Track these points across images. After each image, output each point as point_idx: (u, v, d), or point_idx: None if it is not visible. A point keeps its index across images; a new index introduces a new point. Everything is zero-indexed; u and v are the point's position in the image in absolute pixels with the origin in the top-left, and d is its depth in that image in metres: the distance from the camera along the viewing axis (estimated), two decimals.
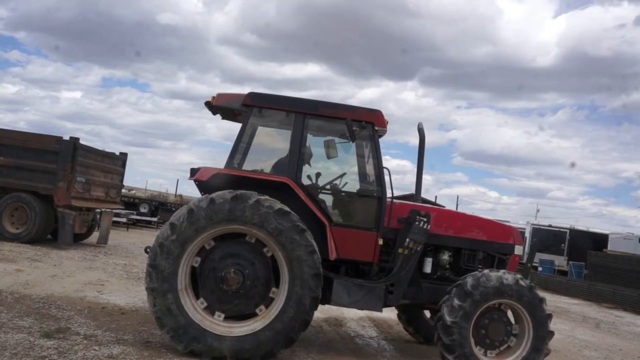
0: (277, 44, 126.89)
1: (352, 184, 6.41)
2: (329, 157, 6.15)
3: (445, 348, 5.59)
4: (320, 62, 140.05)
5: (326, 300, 5.86)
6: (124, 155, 15.66)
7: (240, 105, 6.09)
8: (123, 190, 20.30)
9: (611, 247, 25.03)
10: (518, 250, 6.63)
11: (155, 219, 26.15)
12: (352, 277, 6.04)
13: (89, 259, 11.38)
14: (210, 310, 5.50)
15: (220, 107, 6.29)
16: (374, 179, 6.14)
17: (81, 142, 12.87)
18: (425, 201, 6.80)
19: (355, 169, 6.55)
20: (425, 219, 5.95)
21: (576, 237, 27.73)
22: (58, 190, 12.36)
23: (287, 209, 5.43)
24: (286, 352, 6.05)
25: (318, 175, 6.39)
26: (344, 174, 6.48)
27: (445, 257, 6.34)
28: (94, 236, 14.69)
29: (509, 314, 5.91)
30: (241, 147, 6.12)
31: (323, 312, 8.91)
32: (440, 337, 5.63)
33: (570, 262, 25.39)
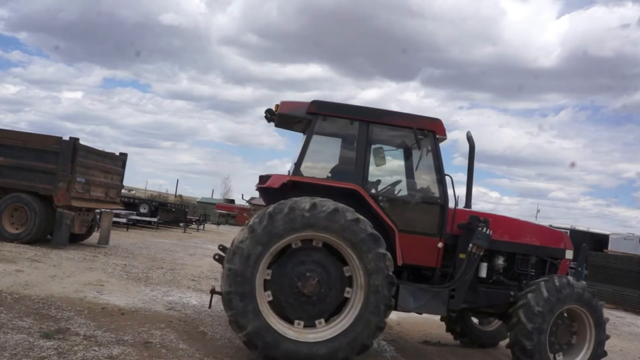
0: (278, 45, 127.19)
1: (414, 191, 6.50)
2: (377, 165, 6.32)
3: (525, 353, 5.73)
4: (322, 62, 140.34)
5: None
6: (123, 156, 15.65)
7: (305, 113, 6.14)
8: (123, 191, 20.31)
9: (612, 247, 24.99)
10: (569, 254, 6.79)
11: (155, 220, 26.17)
12: (413, 282, 6.13)
13: (89, 259, 11.37)
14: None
15: (285, 114, 6.29)
16: (437, 186, 6.21)
17: (82, 142, 12.88)
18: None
19: (418, 176, 6.62)
20: (486, 225, 6.08)
21: (576, 238, 27.68)
22: (58, 190, 12.35)
23: (363, 217, 5.47)
24: None
25: (379, 182, 6.49)
26: (400, 181, 6.58)
27: (500, 261, 6.46)
28: (94, 237, 14.68)
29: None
30: (307, 154, 6.11)
31: None
32: (518, 342, 5.77)
33: (571, 262, 25.33)
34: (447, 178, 6.17)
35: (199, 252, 16.96)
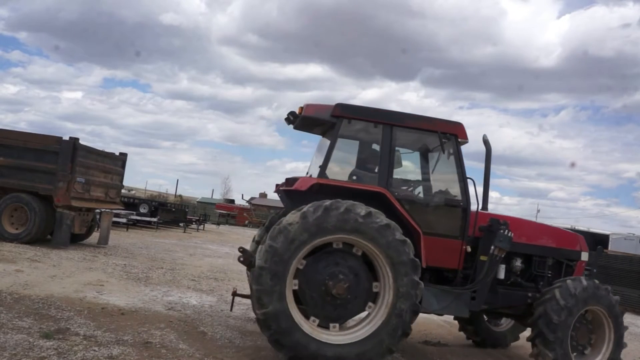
0: (279, 44, 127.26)
1: (437, 194, 6.54)
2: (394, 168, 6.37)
3: (546, 345, 5.85)
4: (322, 62, 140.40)
5: None
6: (123, 156, 15.64)
7: (330, 116, 6.15)
8: (123, 191, 20.31)
9: (612, 247, 25.02)
10: (584, 256, 6.91)
11: (155, 220, 26.17)
12: (434, 283, 6.19)
13: (89, 259, 11.37)
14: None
15: (309, 117, 6.30)
16: (459, 189, 6.28)
17: (81, 142, 12.87)
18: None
19: (440, 179, 6.67)
20: (507, 228, 6.19)
21: None
22: (58, 190, 12.34)
23: (409, 241, 5.52)
24: None
25: (402, 185, 6.55)
26: (423, 183, 6.68)
27: (518, 263, 6.57)
28: (94, 236, 14.68)
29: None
30: (332, 157, 6.12)
31: None
32: (541, 334, 5.89)
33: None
34: (468, 181, 6.27)
35: (199, 252, 16.96)
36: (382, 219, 5.44)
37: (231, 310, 7.08)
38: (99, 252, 12.93)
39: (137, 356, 5.12)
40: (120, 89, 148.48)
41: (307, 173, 7.04)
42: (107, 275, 9.58)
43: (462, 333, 8.21)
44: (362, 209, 5.41)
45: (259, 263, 5.32)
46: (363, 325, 5.57)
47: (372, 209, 5.45)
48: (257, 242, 6.99)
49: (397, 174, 6.44)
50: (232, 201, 68.31)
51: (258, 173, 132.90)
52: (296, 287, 5.48)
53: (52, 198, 12.40)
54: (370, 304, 5.61)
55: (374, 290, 5.61)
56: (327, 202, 5.39)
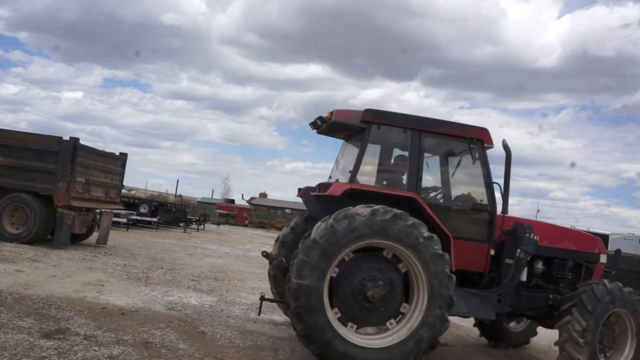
0: (279, 44, 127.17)
1: (465, 199, 6.64)
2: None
3: (576, 349, 5.96)
4: (322, 62, 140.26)
5: None
6: (123, 156, 15.64)
7: (359, 122, 6.18)
8: (123, 191, 20.30)
9: (612, 247, 25.00)
10: (603, 258, 7.03)
11: (155, 220, 26.18)
12: (461, 286, 6.24)
13: (89, 259, 11.37)
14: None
15: (339, 122, 6.32)
16: (486, 193, 6.39)
17: (82, 142, 12.87)
18: None
19: (467, 184, 6.76)
20: (532, 232, 6.34)
21: None
22: (58, 190, 12.35)
23: (448, 255, 5.60)
24: (285, 352, 6.06)
25: (430, 190, 6.63)
26: (450, 188, 6.71)
27: (540, 266, 6.70)
28: (94, 236, 14.68)
29: None
30: (362, 162, 6.18)
31: None
32: (572, 339, 5.98)
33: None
34: (495, 186, 6.39)
35: (199, 252, 16.96)
36: (439, 247, 5.53)
37: (259, 314, 7.22)
38: (99, 252, 12.94)
39: (137, 356, 5.12)
40: (120, 89, 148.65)
41: (330, 177, 7.14)
42: (107, 275, 9.58)
43: (461, 333, 8.24)
44: (425, 230, 5.51)
45: (314, 237, 5.36)
46: (380, 336, 5.62)
47: (434, 235, 5.57)
48: (283, 243, 7.16)
49: (425, 178, 6.51)
50: (232, 201, 68.27)
51: (258, 173, 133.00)
52: (335, 275, 5.52)
53: (53, 198, 12.40)
54: (392, 320, 5.67)
55: (401, 310, 5.69)
56: (397, 211, 5.48)
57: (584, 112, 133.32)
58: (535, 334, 8.45)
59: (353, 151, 6.93)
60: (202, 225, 33.44)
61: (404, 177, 6.26)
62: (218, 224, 45.36)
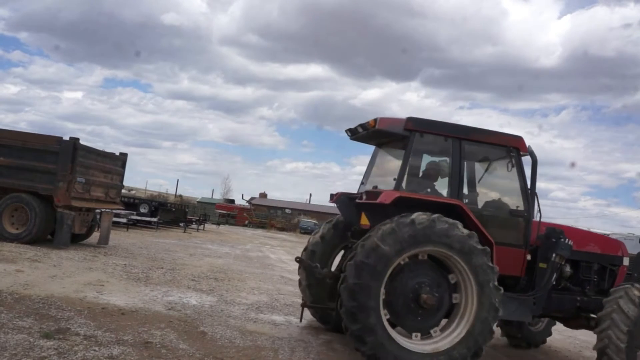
0: (279, 45, 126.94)
1: (502, 205, 6.79)
2: (441, 177, 6.68)
3: (619, 354, 6.08)
4: (322, 62, 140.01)
5: None
6: (123, 156, 15.65)
7: (402, 130, 6.28)
8: (123, 191, 20.31)
9: None
10: (626, 261, 7.24)
11: (155, 220, 26.19)
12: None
13: (89, 259, 11.37)
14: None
15: (383, 130, 6.40)
16: (522, 200, 6.55)
17: (82, 142, 12.88)
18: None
19: (504, 190, 6.92)
20: (565, 236, 6.57)
21: None
22: (58, 190, 12.35)
23: (497, 269, 5.80)
24: (285, 352, 6.06)
25: (470, 196, 6.76)
26: (484, 194, 6.94)
27: (568, 269, 6.85)
28: (94, 237, 14.69)
29: None
30: (405, 170, 6.28)
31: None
32: (613, 344, 6.10)
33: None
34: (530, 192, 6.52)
35: (199, 252, 16.97)
36: (489, 259, 5.74)
37: (300, 321, 7.39)
38: (99, 252, 12.94)
39: (137, 356, 5.12)
40: (121, 89, 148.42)
41: (363, 183, 7.28)
42: (108, 275, 9.58)
43: None
44: (462, 229, 5.67)
45: (375, 240, 5.47)
46: (427, 342, 5.77)
47: (487, 248, 5.77)
48: (313, 252, 7.38)
49: (465, 185, 6.69)
50: (232, 201, 68.32)
51: (258, 173, 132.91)
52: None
53: (53, 198, 12.41)
54: (436, 328, 5.87)
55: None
56: (455, 221, 5.68)
57: (584, 112, 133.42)
58: (550, 334, 8.70)
59: (389, 158, 7.23)
60: (202, 225, 33.47)
61: (446, 184, 6.41)
62: (218, 224, 45.39)
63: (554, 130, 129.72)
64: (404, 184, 6.21)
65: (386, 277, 5.53)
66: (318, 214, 67.47)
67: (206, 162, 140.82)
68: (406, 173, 6.24)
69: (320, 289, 7.30)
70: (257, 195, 75.84)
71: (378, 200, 5.91)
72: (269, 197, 78.62)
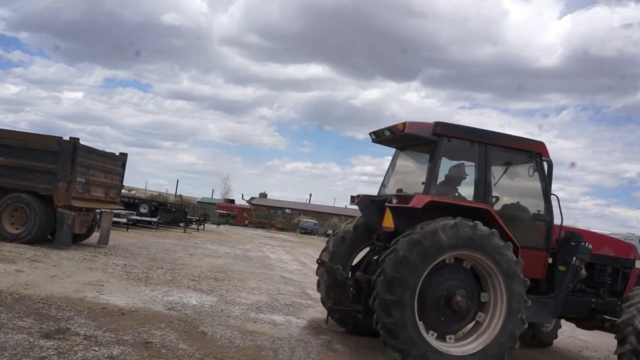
0: (279, 45, 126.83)
1: (525, 209, 6.91)
2: (464, 181, 6.84)
3: (637, 354, 6.24)
4: (323, 62, 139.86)
5: None
6: (123, 156, 15.65)
7: (431, 135, 6.35)
8: (123, 191, 20.31)
9: None
10: (638, 264, 7.45)
11: (155, 220, 26.18)
12: None
13: (89, 259, 11.38)
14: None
15: (412, 135, 6.46)
16: (544, 204, 6.70)
17: (82, 142, 12.88)
18: None
19: (527, 195, 7.01)
20: (584, 240, 6.78)
21: None
22: (58, 190, 12.35)
23: (522, 277, 5.95)
24: (285, 352, 6.06)
25: (496, 200, 6.84)
26: (508, 199, 7.09)
27: (583, 272, 7.00)
28: (94, 237, 14.69)
29: None
30: (434, 174, 6.38)
31: (323, 312, 8.89)
32: (635, 350, 6.21)
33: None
34: (553, 197, 6.71)
35: (199, 252, 16.97)
36: (521, 269, 5.91)
37: (326, 323, 7.41)
38: (99, 252, 12.94)
39: (137, 356, 5.12)
40: (121, 89, 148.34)
41: (384, 185, 7.39)
42: (108, 275, 9.58)
43: None
44: (499, 238, 5.84)
45: (402, 253, 5.55)
46: (460, 344, 5.91)
47: (521, 260, 5.96)
48: (334, 253, 7.45)
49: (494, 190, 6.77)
50: (232, 201, 68.32)
51: (258, 173, 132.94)
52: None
53: (53, 198, 12.41)
54: (465, 329, 6.07)
55: (477, 319, 6.04)
56: (493, 230, 5.86)
57: (584, 113, 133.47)
58: (557, 336, 8.87)
59: (411, 161, 7.34)
60: (202, 225, 33.47)
61: (472, 188, 6.52)
62: (218, 224, 45.40)
63: (554, 131, 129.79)
64: (432, 188, 6.29)
65: (424, 274, 5.63)
66: (318, 214, 67.52)
67: (206, 162, 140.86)
68: (434, 177, 6.33)
69: (341, 290, 7.39)
70: (257, 195, 75.88)
71: (410, 204, 5.95)
72: (269, 197, 78.68)
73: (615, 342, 6.41)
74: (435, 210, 5.87)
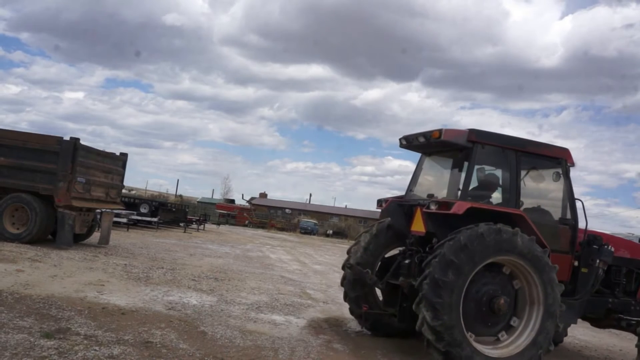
0: (280, 45, 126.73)
1: (553, 214, 7.08)
2: (495, 187, 6.95)
3: None
4: (323, 62, 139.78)
5: None
6: (124, 156, 15.65)
7: (466, 142, 6.47)
8: (123, 191, 20.33)
9: None
10: None
11: (155, 220, 26.20)
12: None
13: (89, 259, 11.39)
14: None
15: (448, 141, 6.55)
16: (569, 208, 6.91)
17: (82, 142, 12.88)
18: None
19: (554, 199, 7.19)
20: (607, 243, 7.00)
21: None
22: (58, 190, 12.36)
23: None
24: (285, 352, 6.07)
25: (526, 205, 6.99)
26: (536, 204, 7.22)
27: (601, 273, 7.16)
28: (95, 237, 14.70)
29: None
30: (470, 180, 6.51)
31: (323, 312, 8.92)
32: None
33: None
34: (577, 201, 6.92)
35: (199, 252, 16.98)
36: (556, 275, 6.12)
37: (362, 327, 7.51)
38: (100, 252, 12.96)
39: (137, 356, 5.13)
40: (122, 89, 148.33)
41: (410, 190, 7.47)
42: (108, 275, 9.60)
43: None
44: (548, 257, 6.08)
45: (448, 255, 5.62)
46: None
47: (557, 266, 6.16)
48: (365, 249, 7.49)
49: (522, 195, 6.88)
50: (233, 201, 68.35)
51: (258, 173, 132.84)
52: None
53: (53, 198, 12.42)
54: (503, 332, 6.16)
55: (511, 323, 6.20)
56: (533, 237, 6.04)
57: (585, 113, 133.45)
58: (567, 334, 8.84)
59: (439, 167, 7.45)
60: (202, 225, 33.47)
61: (500, 194, 6.74)
62: (218, 224, 45.39)
63: (555, 131, 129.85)
64: (468, 194, 6.41)
65: (470, 277, 5.73)
66: (318, 214, 67.53)
67: (206, 162, 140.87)
68: (470, 183, 6.45)
69: (371, 295, 7.46)
70: (257, 195, 75.87)
71: (452, 211, 6.01)
72: (269, 197, 78.67)
73: (615, 342, 6.52)
74: (467, 215, 5.95)
